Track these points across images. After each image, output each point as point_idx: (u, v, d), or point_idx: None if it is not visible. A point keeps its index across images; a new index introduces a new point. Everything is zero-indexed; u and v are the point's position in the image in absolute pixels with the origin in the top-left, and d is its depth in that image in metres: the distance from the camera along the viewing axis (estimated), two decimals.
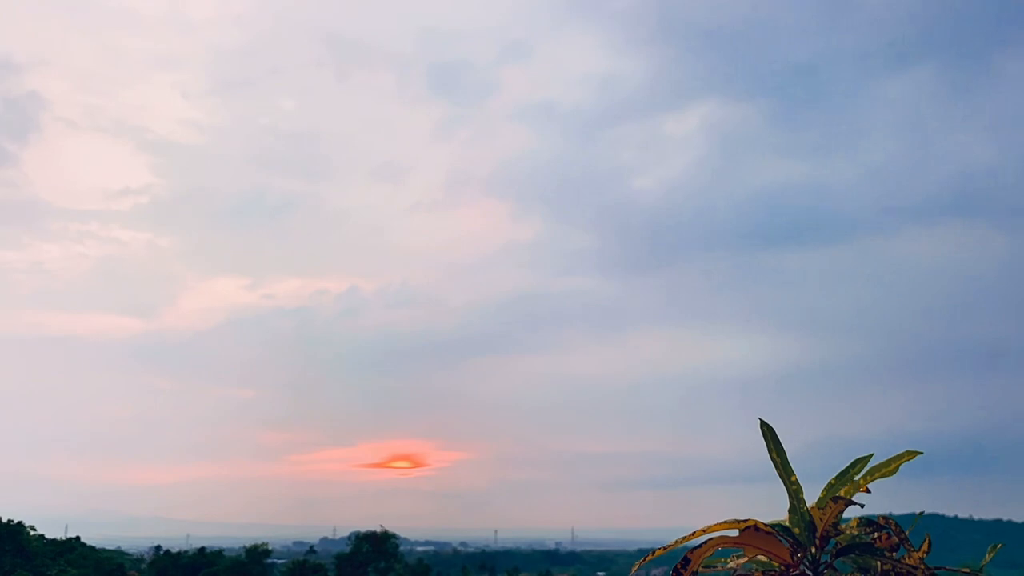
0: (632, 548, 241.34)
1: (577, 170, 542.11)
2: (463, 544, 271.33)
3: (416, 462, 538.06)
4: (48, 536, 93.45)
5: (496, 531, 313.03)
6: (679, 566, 3.80)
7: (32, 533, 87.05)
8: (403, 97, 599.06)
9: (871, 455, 4.04)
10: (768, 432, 3.84)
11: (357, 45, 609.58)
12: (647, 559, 3.95)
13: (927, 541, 4.54)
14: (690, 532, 3.92)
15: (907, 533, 4.53)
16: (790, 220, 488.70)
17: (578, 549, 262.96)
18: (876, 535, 4.38)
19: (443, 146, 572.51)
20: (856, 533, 4.22)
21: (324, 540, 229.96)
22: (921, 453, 3.99)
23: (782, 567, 4.08)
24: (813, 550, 4.03)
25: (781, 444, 3.85)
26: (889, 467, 4.04)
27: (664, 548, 3.84)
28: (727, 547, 3.95)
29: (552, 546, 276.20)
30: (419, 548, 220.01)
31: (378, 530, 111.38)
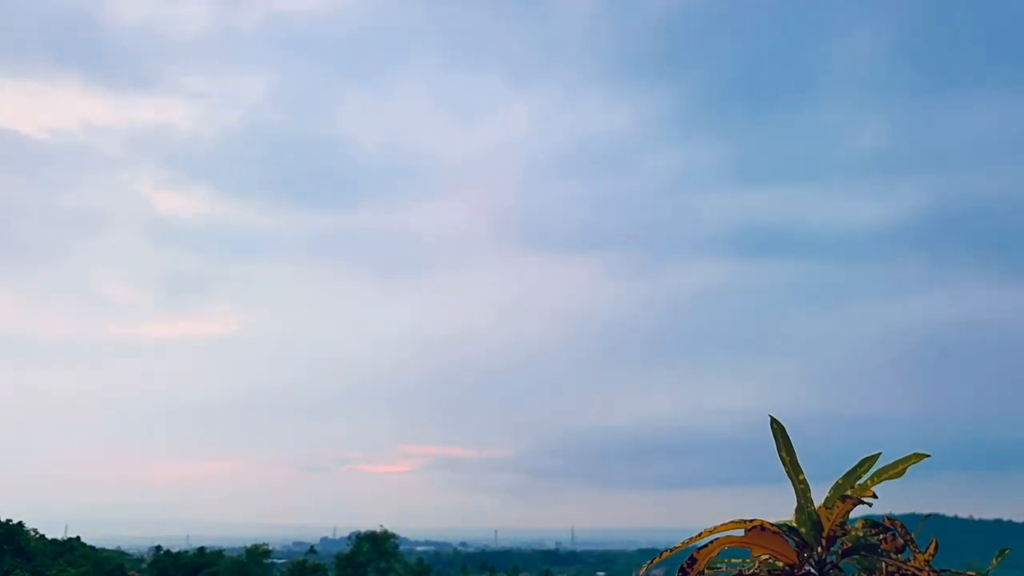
0: (632, 548, 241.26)
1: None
2: (463, 544, 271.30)
3: (416, 461, 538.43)
4: (48, 536, 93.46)
5: (496, 531, 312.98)
6: (685, 565, 3.80)
7: (32, 533, 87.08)
8: None
9: (879, 454, 4.02)
10: (778, 430, 3.83)
11: None
12: (654, 561, 3.94)
13: (933, 544, 4.50)
14: (694, 532, 3.91)
15: (913, 535, 4.51)
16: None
17: (578, 549, 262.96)
18: (881, 537, 4.36)
19: None
20: (862, 534, 4.20)
21: (324, 540, 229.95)
22: (928, 456, 3.97)
23: (788, 567, 4.06)
24: (819, 550, 4.01)
25: (791, 442, 3.84)
26: (896, 469, 4.03)
27: (671, 550, 3.83)
28: (733, 547, 3.94)
29: (552, 546, 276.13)
30: (419, 548, 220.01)
31: (378, 530, 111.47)
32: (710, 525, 3.91)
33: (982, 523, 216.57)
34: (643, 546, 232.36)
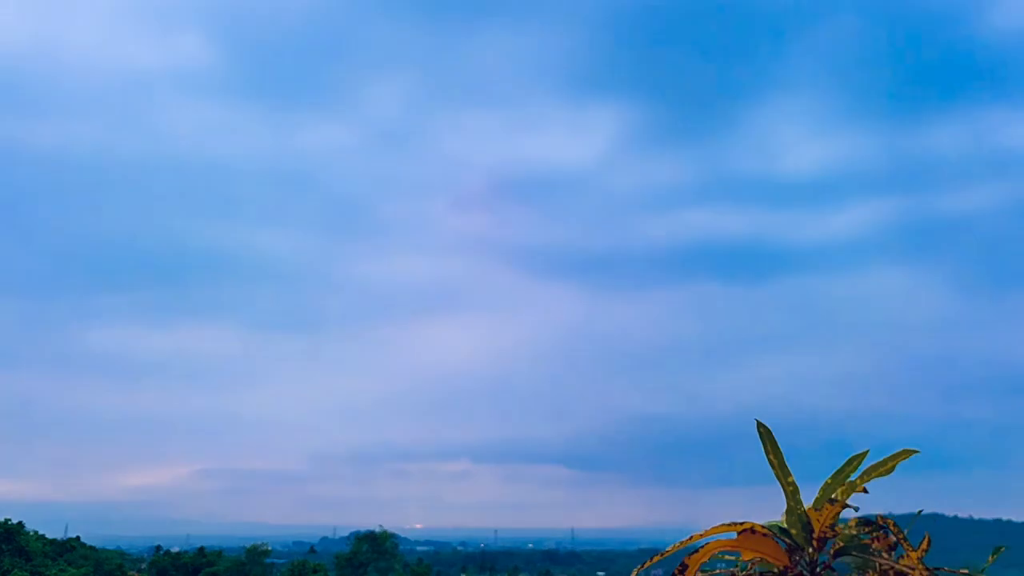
0: (632, 548, 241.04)
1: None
2: (463, 544, 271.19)
3: (416, 461, 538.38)
4: (48, 536, 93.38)
5: (496, 531, 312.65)
6: (677, 571, 3.77)
7: (32, 533, 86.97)
8: None
9: (866, 451, 4.01)
10: (765, 433, 3.83)
11: None
12: (645, 565, 3.92)
13: (926, 540, 4.49)
14: (688, 534, 3.90)
15: (905, 533, 4.50)
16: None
17: (578, 549, 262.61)
18: (874, 535, 4.34)
19: None
20: (854, 533, 4.19)
21: (324, 540, 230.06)
22: (918, 452, 3.96)
23: (780, 569, 4.05)
24: (810, 551, 4.00)
25: (778, 445, 3.84)
26: (886, 466, 4.01)
27: (662, 554, 3.81)
28: (724, 549, 3.93)
29: (552, 546, 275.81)
30: (419, 548, 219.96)
31: (378, 530, 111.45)
32: (704, 527, 3.90)
33: (980, 522, 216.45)
34: (643, 546, 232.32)
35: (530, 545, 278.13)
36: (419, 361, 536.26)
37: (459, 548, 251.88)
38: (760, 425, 3.78)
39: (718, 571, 4.68)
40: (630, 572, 3.95)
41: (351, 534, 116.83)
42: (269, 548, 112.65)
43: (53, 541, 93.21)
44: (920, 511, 4.91)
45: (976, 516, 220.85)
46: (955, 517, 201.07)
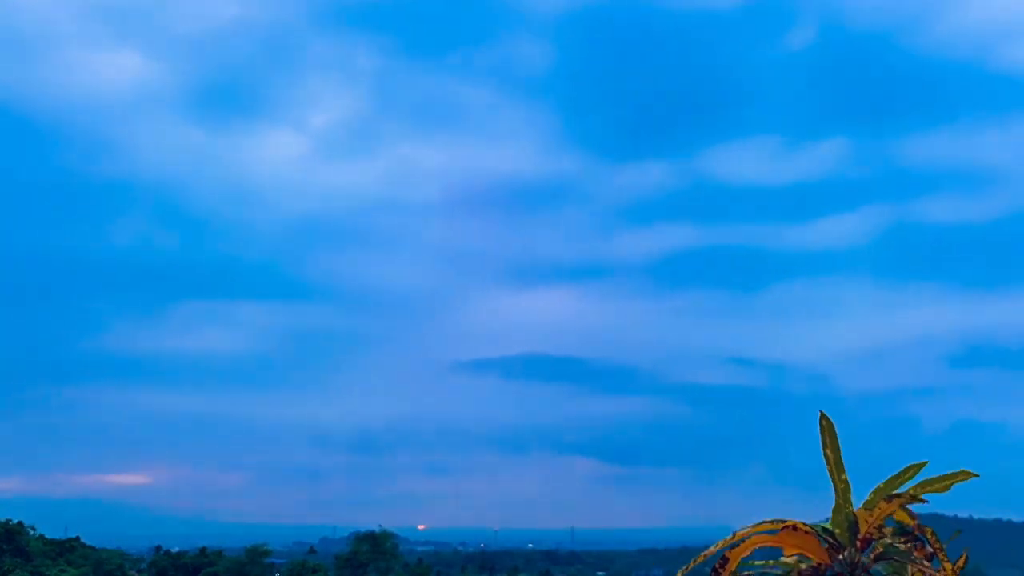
0: (632, 548, 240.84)
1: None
2: (463, 544, 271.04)
3: (414, 460, 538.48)
4: (48, 536, 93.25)
5: (496, 531, 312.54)
6: (717, 566, 3.75)
7: (32, 533, 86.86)
8: None
9: (925, 462, 3.96)
10: (827, 426, 3.77)
11: None
12: (691, 565, 3.89)
13: (963, 558, 4.47)
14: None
15: (943, 544, 4.46)
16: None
17: (578, 549, 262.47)
18: (910, 544, 4.31)
19: None
20: (891, 541, 4.15)
21: (324, 540, 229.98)
22: (977, 475, 3.91)
23: (818, 566, 4.01)
24: (852, 551, 3.95)
25: (838, 441, 3.78)
26: (943, 483, 3.97)
27: (703, 555, 3.79)
28: (766, 545, 3.89)
29: (552, 546, 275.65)
30: (419, 548, 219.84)
31: (378, 530, 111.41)
32: (740, 526, 3.85)
33: (981, 523, 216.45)
34: (643, 546, 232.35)
35: (530, 545, 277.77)
36: (417, 361, 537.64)
37: (459, 548, 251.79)
38: (823, 417, 3.73)
39: (747, 570, 4.63)
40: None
41: (351, 534, 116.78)
42: (269, 548, 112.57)
43: (53, 541, 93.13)
44: (959, 531, 4.87)
45: (976, 516, 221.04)
46: (955, 516, 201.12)
